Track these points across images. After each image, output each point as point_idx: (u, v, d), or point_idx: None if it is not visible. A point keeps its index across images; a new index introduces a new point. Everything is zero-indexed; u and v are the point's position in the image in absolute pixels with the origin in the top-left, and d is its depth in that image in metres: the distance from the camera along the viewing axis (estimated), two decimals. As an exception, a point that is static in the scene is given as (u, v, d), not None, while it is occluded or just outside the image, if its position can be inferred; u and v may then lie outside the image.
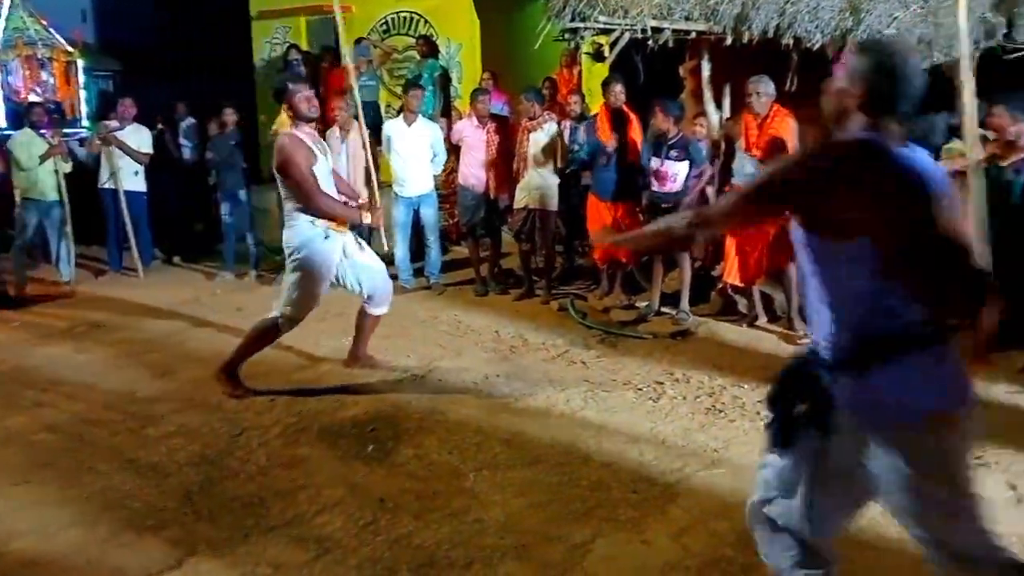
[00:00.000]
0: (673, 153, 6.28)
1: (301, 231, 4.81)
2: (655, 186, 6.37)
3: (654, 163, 6.36)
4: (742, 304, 6.45)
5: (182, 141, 9.80)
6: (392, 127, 7.42)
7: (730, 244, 6.08)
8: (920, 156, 2.12)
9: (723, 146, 6.73)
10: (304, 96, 4.80)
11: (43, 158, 7.84)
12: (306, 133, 4.86)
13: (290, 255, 4.86)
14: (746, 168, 5.94)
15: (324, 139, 7.43)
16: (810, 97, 6.76)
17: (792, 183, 2.13)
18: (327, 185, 4.87)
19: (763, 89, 5.80)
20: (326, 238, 4.81)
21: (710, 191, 6.40)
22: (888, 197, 2.01)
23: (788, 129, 5.85)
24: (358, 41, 10.03)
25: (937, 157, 5.95)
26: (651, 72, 7.37)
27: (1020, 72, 6.01)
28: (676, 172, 6.29)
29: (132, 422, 4.58)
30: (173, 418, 4.64)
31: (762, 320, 6.25)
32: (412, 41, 10.42)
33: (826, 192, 2.02)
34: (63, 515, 3.57)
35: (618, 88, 6.55)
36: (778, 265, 5.98)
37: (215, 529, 3.46)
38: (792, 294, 6.09)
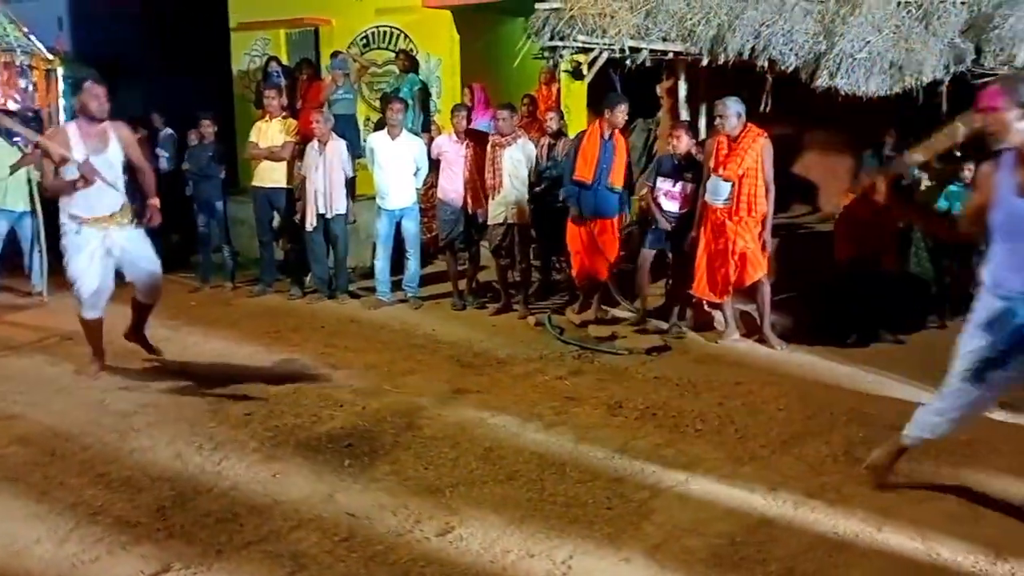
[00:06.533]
0: (688, 175, 6.31)
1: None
2: (666, 206, 6.37)
3: (666, 184, 6.37)
4: (718, 320, 6.51)
5: (159, 151, 9.74)
6: (376, 140, 7.42)
7: (700, 259, 6.15)
8: None
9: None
10: (93, 93, 5.13)
11: (14, 168, 7.77)
12: (81, 126, 5.18)
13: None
14: (716, 187, 6.01)
15: (304, 152, 7.50)
16: (784, 118, 6.91)
17: None
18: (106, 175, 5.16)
19: (734, 110, 5.89)
20: (77, 233, 5.20)
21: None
22: None
23: (760, 148, 5.94)
24: (335, 54, 10.04)
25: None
26: (628, 91, 7.45)
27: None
28: (687, 192, 6.31)
29: (104, 435, 4.53)
30: (146, 432, 4.59)
31: (736, 335, 6.32)
32: (392, 55, 10.44)
33: None
34: (32, 531, 3.52)
35: (623, 108, 6.54)
36: (742, 282, 6.06)
37: (188, 545, 3.43)
38: (765, 309, 6.17)
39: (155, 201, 5.50)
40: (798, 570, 3.25)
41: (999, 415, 4.79)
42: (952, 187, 6.50)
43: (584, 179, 6.46)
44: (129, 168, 5.47)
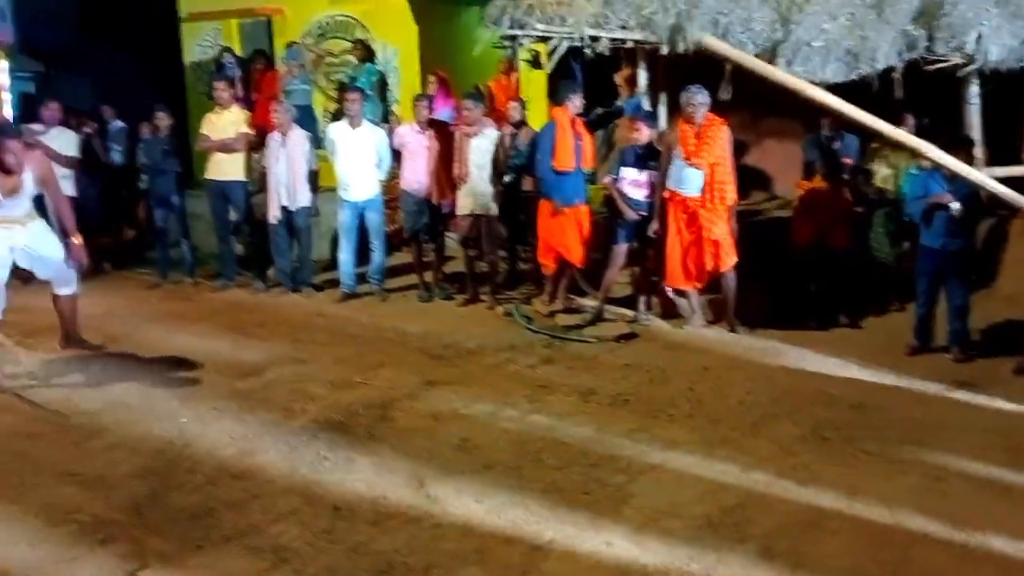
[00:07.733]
0: (652, 163, 6.31)
1: None
2: (632, 194, 6.36)
3: (631, 172, 6.35)
4: (683, 307, 6.60)
5: (110, 144, 9.53)
6: (337, 130, 7.35)
7: (672, 249, 6.21)
8: None
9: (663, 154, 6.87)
10: (8, 148, 4.99)
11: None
12: None
13: None
14: (686, 177, 6.07)
15: (265, 144, 7.42)
16: (742, 105, 7.02)
17: None
18: None
19: (700, 100, 5.95)
20: None
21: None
22: None
23: (724, 137, 6.03)
24: (290, 45, 9.92)
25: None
26: (588, 80, 7.50)
27: (941, 84, 6.33)
28: (651, 180, 6.32)
29: (74, 434, 4.45)
30: (116, 430, 4.52)
31: (702, 322, 6.41)
32: (348, 45, 10.34)
33: None
34: (8, 533, 3.46)
35: (578, 99, 6.62)
36: (718, 269, 6.15)
37: (166, 541, 3.40)
38: (731, 297, 6.27)
39: (77, 239, 5.38)
40: (774, 547, 3.33)
41: (959, 395, 4.96)
42: (912, 170, 6.64)
43: (567, 168, 6.51)
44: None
